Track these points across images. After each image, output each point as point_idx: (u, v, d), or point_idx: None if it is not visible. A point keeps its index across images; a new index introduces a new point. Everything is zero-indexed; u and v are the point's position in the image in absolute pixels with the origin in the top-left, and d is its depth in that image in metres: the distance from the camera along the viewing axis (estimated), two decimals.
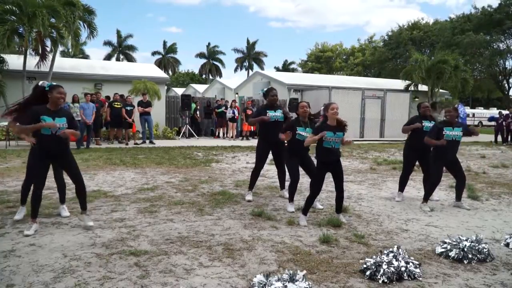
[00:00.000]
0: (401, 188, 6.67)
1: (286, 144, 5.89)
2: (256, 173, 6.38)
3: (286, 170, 6.08)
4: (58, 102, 4.43)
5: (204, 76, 57.19)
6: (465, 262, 3.86)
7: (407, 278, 3.45)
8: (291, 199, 5.79)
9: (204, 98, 22.15)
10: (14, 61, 16.08)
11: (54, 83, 4.52)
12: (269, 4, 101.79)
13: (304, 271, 3.26)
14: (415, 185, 7.87)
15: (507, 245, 4.38)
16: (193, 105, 19.15)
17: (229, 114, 17.85)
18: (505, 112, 19.75)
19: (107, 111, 14.37)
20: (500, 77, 41.71)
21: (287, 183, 6.18)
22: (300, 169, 5.79)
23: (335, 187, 5.13)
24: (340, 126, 4.93)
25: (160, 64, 49.84)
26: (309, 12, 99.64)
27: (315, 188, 5.05)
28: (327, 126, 4.89)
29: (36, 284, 3.20)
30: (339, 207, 5.21)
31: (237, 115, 17.99)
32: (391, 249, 3.73)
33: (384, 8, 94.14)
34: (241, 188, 7.13)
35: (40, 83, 4.54)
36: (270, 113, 6.14)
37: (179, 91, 35.80)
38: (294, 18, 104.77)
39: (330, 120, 4.90)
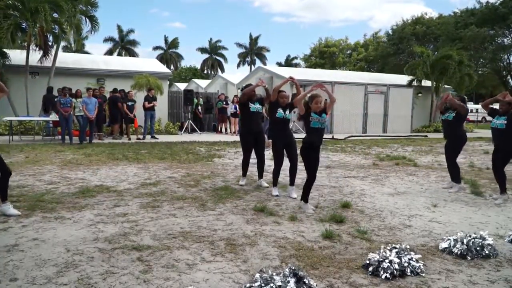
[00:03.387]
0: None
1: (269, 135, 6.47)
2: (245, 162, 6.97)
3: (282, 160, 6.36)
4: None
5: (206, 71, 57.10)
6: (469, 258, 3.84)
7: (410, 274, 3.44)
8: (275, 183, 6.36)
9: (204, 94, 22.12)
10: (16, 56, 16.09)
11: None
12: None
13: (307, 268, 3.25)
14: (418, 181, 7.84)
15: (511, 241, 4.36)
16: (195, 100, 19.16)
17: (231, 109, 17.83)
18: None
19: (124, 107, 14.40)
20: (504, 72, 41.45)
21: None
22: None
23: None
24: (322, 111, 5.32)
25: (162, 59, 49.76)
26: (313, 7, 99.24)
27: (309, 173, 5.40)
28: (315, 112, 5.28)
29: (39, 279, 3.20)
30: (305, 194, 5.48)
31: (239, 110, 17.95)
32: (394, 245, 3.71)
33: (388, 3, 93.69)
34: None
35: None
36: (251, 104, 6.68)
37: (182, 86, 35.77)
38: (298, 13, 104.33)
39: (315, 109, 5.27)
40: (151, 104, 14.53)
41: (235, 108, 17.71)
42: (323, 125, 5.31)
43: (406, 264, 3.46)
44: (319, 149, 5.41)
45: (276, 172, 6.35)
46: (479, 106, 41.70)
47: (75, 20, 15.77)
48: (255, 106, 6.71)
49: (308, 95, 5.43)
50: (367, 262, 3.54)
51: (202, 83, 36.37)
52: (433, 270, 3.59)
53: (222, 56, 56.25)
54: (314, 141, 5.30)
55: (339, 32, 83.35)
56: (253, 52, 56.78)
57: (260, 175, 7.08)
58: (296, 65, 56.26)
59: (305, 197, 5.45)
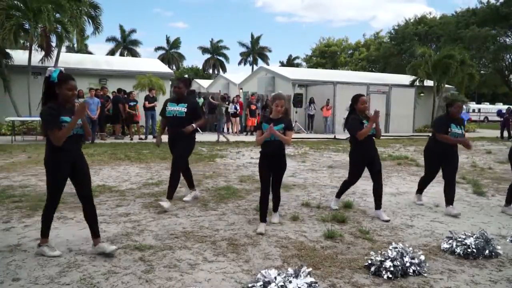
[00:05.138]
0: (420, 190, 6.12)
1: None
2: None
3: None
4: (69, 100, 3.57)
5: (207, 71, 57.09)
6: (471, 258, 3.83)
7: (412, 274, 3.43)
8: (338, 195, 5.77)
9: (208, 94, 22.15)
10: (19, 56, 16.14)
11: (63, 71, 3.66)
12: None
13: (310, 268, 3.25)
14: None
15: None
16: (201, 100, 19.21)
17: (231, 109, 17.85)
18: None
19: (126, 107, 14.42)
20: (506, 72, 41.34)
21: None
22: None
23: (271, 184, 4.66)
24: (280, 119, 4.51)
25: (163, 59, 49.79)
26: (316, 7, 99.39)
27: (262, 183, 4.66)
28: (268, 118, 4.56)
29: (42, 278, 3.21)
30: (275, 207, 4.84)
31: (239, 110, 18.01)
32: (396, 245, 3.71)
33: (390, 3, 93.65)
34: (246, 183, 7.13)
35: (49, 70, 3.64)
36: (169, 107, 5.43)
37: None
38: (301, 13, 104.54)
39: (273, 113, 4.55)
40: (152, 104, 14.57)
41: (235, 108, 17.73)
42: (276, 138, 4.42)
43: (408, 264, 3.45)
44: (276, 159, 4.57)
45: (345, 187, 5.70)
46: (481, 106, 41.76)
47: (80, 22, 15.80)
48: (171, 110, 5.40)
49: (272, 94, 4.80)
50: (369, 262, 3.54)
51: (204, 83, 36.44)
52: (435, 270, 3.59)
53: (224, 56, 56.27)
54: (264, 151, 4.59)
55: (341, 32, 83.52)
56: (255, 51, 56.76)
57: (190, 185, 5.95)
58: (297, 65, 56.23)
59: (261, 217, 4.61)
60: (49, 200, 3.66)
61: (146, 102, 14.55)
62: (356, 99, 5.27)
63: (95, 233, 3.76)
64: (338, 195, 5.71)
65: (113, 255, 3.67)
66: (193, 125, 5.36)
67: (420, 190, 6.14)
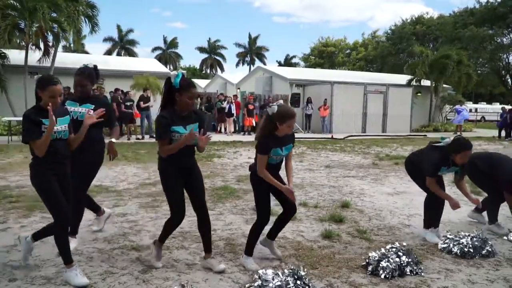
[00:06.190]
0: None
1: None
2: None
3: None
4: (187, 109, 3.31)
5: (205, 71, 57.01)
6: (468, 257, 3.84)
7: (409, 273, 3.43)
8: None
9: (205, 93, 22.15)
10: (15, 56, 16.08)
11: (185, 76, 3.31)
12: None
13: (307, 268, 3.25)
14: None
15: (510, 240, 4.36)
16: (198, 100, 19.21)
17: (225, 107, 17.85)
18: (508, 107, 19.82)
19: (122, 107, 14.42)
20: (503, 72, 41.49)
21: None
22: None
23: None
24: (287, 137, 3.48)
25: (160, 59, 49.66)
26: (313, 7, 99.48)
27: (262, 209, 3.67)
28: (276, 138, 3.41)
29: (38, 279, 3.20)
30: (249, 243, 3.66)
31: (236, 110, 18.01)
32: (393, 245, 3.71)
33: (388, 3, 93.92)
34: (243, 183, 7.12)
35: (172, 74, 3.28)
36: (68, 106, 4.00)
37: None
38: (299, 13, 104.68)
39: (282, 132, 3.40)
40: (146, 104, 14.58)
41: (230, 108, 17.71)
42: (282, 158, 3.56)
43: (405, 264, 3.46)
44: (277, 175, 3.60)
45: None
46: (478, 106, 41.87)
47: (77, 21, 15.76)
48: (75, 110, 4.01)
49: (277, 104, 3.44)
50: (367, 261, 3.54)
51: (202, 83, 36.39)
52: (432, 269, 3.59)
53: (221, 56, 56.20)
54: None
55: (339, 32, 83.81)
56: (252, 51, 56.73)
57: (73, 230, 3.88)
58: (295, 65, 56.23)
59: (248, 250, 3.65)
60: (172, 211, 3.53)
61: (141, 102, 14.58)
62: (459, 149, 4.24)
63: (207, 247, 3.51)
64: (434, 224, 4.50)
65: (219, 272, 3.40)
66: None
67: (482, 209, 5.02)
